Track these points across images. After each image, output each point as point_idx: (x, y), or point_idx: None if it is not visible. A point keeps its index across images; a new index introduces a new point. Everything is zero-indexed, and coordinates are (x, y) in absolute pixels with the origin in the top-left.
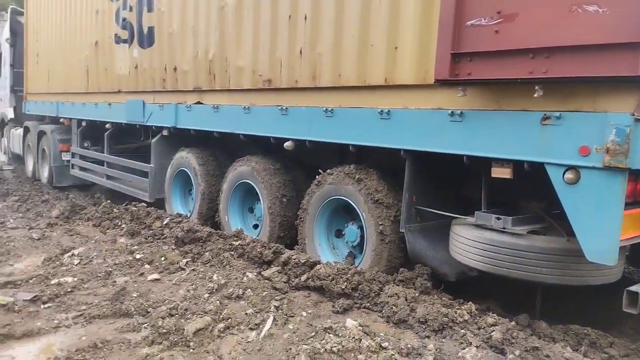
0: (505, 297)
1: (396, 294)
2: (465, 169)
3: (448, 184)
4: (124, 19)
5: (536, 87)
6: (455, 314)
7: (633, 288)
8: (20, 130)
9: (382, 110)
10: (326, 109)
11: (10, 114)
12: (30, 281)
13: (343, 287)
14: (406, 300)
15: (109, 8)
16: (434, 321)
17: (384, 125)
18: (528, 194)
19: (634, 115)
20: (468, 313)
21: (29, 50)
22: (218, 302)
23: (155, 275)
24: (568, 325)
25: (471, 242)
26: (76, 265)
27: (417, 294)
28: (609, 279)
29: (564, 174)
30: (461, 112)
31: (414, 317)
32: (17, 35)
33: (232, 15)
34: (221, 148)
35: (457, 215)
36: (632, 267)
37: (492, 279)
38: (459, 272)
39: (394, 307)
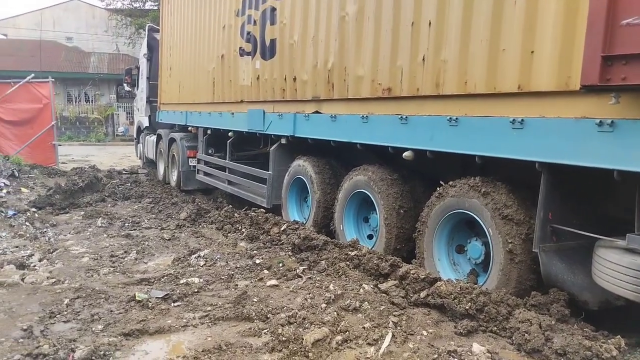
0: None
1: (528, 319)
2: (613, 185)
3: (589, 200)
4: (248, 33)
5: None
6: (601, 348)
7: None
8: (154, 138)
9: (514, 119)
10: (450, 118)
11: (146, 123)
12: (162, 279)
13: (467, 307)
14: (540, 327)
15: (235, 23)
16: (575, 354)
17: (517, 135)
18: None
19: None
20: (616, 348)
21: (163, 64)
22: (335, 313)
23: (274, 281)
24: None
25: (621, 267)
26: (202, 266)
27: (553, 322)
28: None
29: None
30: (612, 122)
31: (550, 348)
32: (153, 50)
33: (353, 25)
34: (337, 157)
35: (601, 237)
36: None
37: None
38: (602, 300)
39: (526, 335)
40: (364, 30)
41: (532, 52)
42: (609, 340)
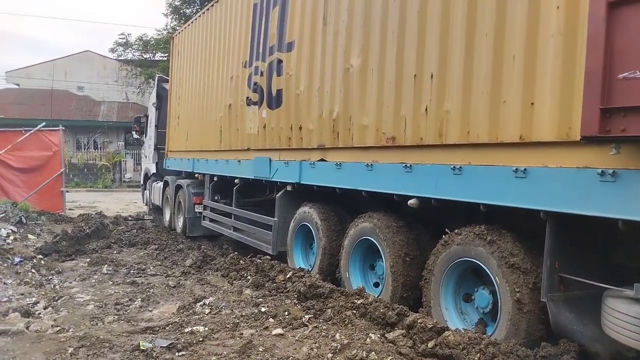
0: None
1: None
2: (619, 234)
3: (595, 249)
4: (255, 83)
5: None
6: None
7: None
8: (161, 184)
9: (517, 169)
10: (454, 167)
11: (153, 169)
12: (167, 328)
13: (476, 358)
14: None
15: (243, 74)
16: None
17: (520, 184)
18: None
19: None
20: None
21: (172, 113)
22: None
23: (279, 330)
24: None
25: (630, 318)
26: (207, 314)
27: None
28: None
29: None
30: (614, 172)
31: None
32: (162, 99)
33: (357, 77)
34: (343, 204)
35: (609, 286)
36: None
37: None
38: (613, 351)
39: None
40: (368, 82)
41: (532, 103)
42: None
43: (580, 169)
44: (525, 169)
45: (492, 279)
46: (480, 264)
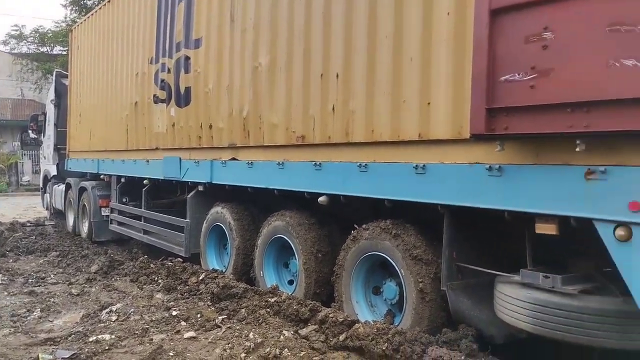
0: None
1: (441, 356)
2: (508, 225)
3: (490, 239)
4: (162, 80)
5: (577, 142)
6: None
7: None
8: (62, 187)
9: (417, 165)
10: (360, 164)
11: (53, 171)
12: (69, 338)
13: (384, 348)
14: None
15: (149, 71)
16: None
17: (420, 180)
18: (576, 251)
19: None
20: None
21: (72, 111)
22: None
23: (192, 333)
24: None
25: (518, 302)
26: (114, 321)
27: (462, 357)
28: None
29: (614, 230)
30: (500, 167)
31: None
32: (61, 96)
33: (266, 75)
34: (256, 203)
35: (501, 273)
36: None
37: (543, 341)
38: (507, 333)
39: None
40: (277, 81)
41: (429, 103)
42: None
43: (472, 165)
44: (424, 166)
45: (398, 271)
46: (387, 257)
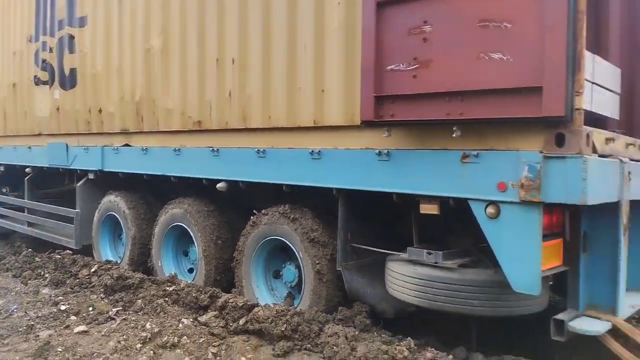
0: (444, 330)
1: (336, 333)
2: (397, 206)
3: (382, 221)
4: (43, 61)
5: (454, 128)
6: (395, 350)
7: (559, 316)
8: None
9: (312, 151)
10: (258, 150)
11: None
12: None
13: (283, 329)
14: (346, 339)
15: (28, 49)
16: (375, 359)
17: (315, 165)
18: (457, 229)
19: (542, 152)
20: (407, 349)
21: None
22: (152, 352)
23: (83, 327)
24: (502, 357)
25: (405, 277)
26: None
27: (357, 333)
28: (535, 308)
29: (485, 208)
30: (388, 152)
31: (354, 357)
32: None
33: (159, 58)
34: (152, 191)
35: (391, 252)
36: (557, 297)
37: (431, 313)
38: (397, 308)
39: (334, 347)
40: (171, 64)
41: (323, 91)
42: (401, 343)
43: (364, 150)
44: (319, 151)
45: (297, 254)
46: (286, 241)
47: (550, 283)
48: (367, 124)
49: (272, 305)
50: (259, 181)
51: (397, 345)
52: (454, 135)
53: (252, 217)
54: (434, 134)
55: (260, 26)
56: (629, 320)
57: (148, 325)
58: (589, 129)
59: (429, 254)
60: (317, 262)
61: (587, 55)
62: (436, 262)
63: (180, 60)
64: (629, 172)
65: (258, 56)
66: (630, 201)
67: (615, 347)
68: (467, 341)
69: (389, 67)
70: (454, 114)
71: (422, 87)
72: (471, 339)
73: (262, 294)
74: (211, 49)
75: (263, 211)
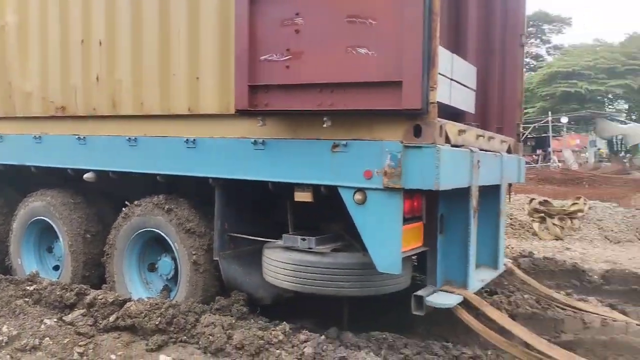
0: (320, 313)
1: (212, 323)
2: (274, 195)
3: (260, 210)
4: None
5: (324, 118)
6: (270, 335)
7: (419, 292)
8: None
9: (187, 139)
10: (129, 138)
11: None
12: None
13: (157, 322)
14: (223, 328)
15: None
16: (251, 345)
17: (191, 154)
18: (330, 215)
19: (402, 142)
20: (282, 333)
21: None
22: (9, 356)
23: None
24: (370, 333)
25: (281, 264)
26: None
27: (233, 321)
28: (400, 286)
29: (353, 195)
30: (263, 141)
31: (231, 345)
32: None
33: (15, 36)
34: (9, 182)
35: (267, 240)
36: (420, 275)
37: (307, 297)
38: (274, 294)
39: (210, 337)
40: (29, 43)
41: (198, 78)
42: (277, 328)
43: (240, 139)
44: (194, 140)
45: (172, 245)
46: (161, 233)
47: (415, 263)
48: (242, 113)
49: (146, 300)
50: (130, 171)
51: (273, 330)
52: (324, 125)
53: (124, 209)
54: (306, 124)
55: (129, 7)
56: (479, 293)
57: (5, 329)
58: (443, 121)
59: (303, 240)
60: (193, 252)
61: (447, 54)
62: (310, 248)
63: (40, 39)
64: (478, 161)
65: (128, 39)
66: (480, 187)
67: (466, 317)
68: (341, 322)
69: (263, 57)
70: (325, 104)
71: (294, 78)
72: (343, 319)
73: (136, 288)
74: (75, 28)
75: (136, 202)
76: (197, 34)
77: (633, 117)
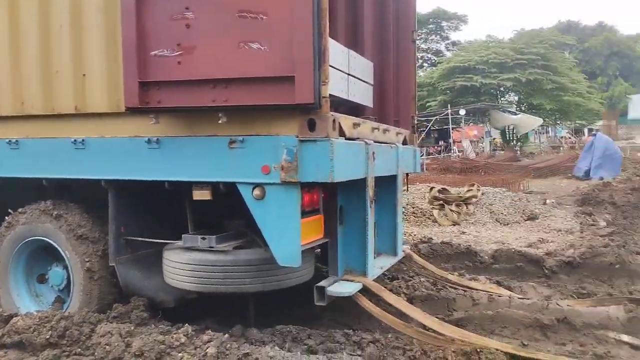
0: (227, 312)
1: (109, 332)
2: (172, 194)
3: (159, 211)
4: None
5: (220, 114)
6: (172, 339)
7: (321, 283)
8: None
9: (75, 140)
10: (9, 141)
11: None
12: None
13: (47, 336)
14: (121, 336)
15: None
16: (151, 351)
17: (80, 155)
18: (232, 213)
19: (298, 137)
20: (185, 336)
21: None
22: None
23: None
24: (275, 327)
25: (181, 265)
26: None
27: (132, 328)
28: (303, 279)
29: (252, 191)
30: (157, 139)
31: (129, 353)
32: None
33: None
34: None
35: (166, 241)
36: (324, 266)
37: (214, 297)
38: (177, 297)
39: (107, 347)
40: None
41: (84, 75)
42: (179, 330)
43: (132, 138)
44: (83, 140)
45: (63, 253)
46: (50, 241)
47: (318, 255)
48: (133, 111)
49: (35, 313)
50: (11, 176)
51: (175, 333)
52: (220, 121)
53: (7, 218)
54: (202, 121)
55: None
56: (380, 279)
57: None
58: (337, 114)
59: (203, 239)
60: (86, 259)
61: (344, 51)
62: (211, 247)
63: None
64: (374, 153)
65: (3, 33)
66: (377, 177)
67: (366, 303)
68: (248, 319)
69: (154, 52)
70: (219, 100)
71: (187, 74)
72: (249, 316)
73: (24, 302)
74: None
75: (20, 210)
76: (81, 28)
77: (522, 108)
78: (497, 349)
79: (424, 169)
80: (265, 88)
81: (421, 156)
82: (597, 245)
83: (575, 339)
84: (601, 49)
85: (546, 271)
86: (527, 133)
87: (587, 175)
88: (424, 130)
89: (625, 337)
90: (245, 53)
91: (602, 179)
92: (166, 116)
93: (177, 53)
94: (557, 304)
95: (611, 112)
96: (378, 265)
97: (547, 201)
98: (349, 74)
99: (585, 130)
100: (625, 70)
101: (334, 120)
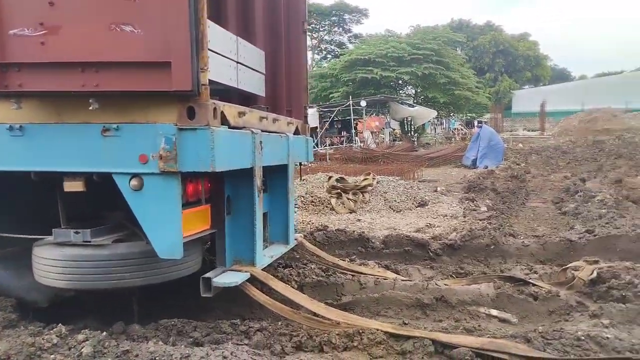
0: (110, 310)
1: None
2: (42, 186)
3: (30, 204)
4: None
5: (90, 100)
6: (43, 340)
7: (207, 274)
8: None
9: None
10: None
11: None
12: None
13: None
14: None
15: None
16: (19, 355)
17: None
18: (109, 204)
19: (177, 125)
20: (57, 336)
21: None
22: None
23: None
24: (158, 322)
25: (53, 261)
26: None
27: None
28: (189, 271)
29: (129, 181)
30: (20, 126)
31: None
32: None
33: None
34: None
35: (35, 237)
36: (212, 257)
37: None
38: (50, 295)
39: None
40: None
41: None
42: (51, 331)
43: None
44: None
45: None
46: None
47: (207, 245)
48: None
49: None
50: None
51: (47, 334)
52: (91, 108)
53: None
54: (71, 107)
55: None
56: (272, 268)
57: None
58: (219, 102)
59: (77, 233)
60: None
61: (232, 38)
62: (87, 241)
63: None
64: (261, 142)
65: None
66: (267, 167)
67: (253, 292)
68: (131, 315)
69: (12, 32)
70: (89, 85)
71: (52, 56)
72: (133, 312)
73: None
74: None
75: None
76: None
77: (419, 100)
78: (377, 329)
79: (327, 159)
80: (140, 73)
81: (324, 146)
82: (476, 229)
83: (451, 316)
84: (489, 47)
85: (431, 254)
86: (423, 124)
87: (474, 164)
88: (327, 121)
89: (494, 312)
90: (117, 35)
91: (486, 167)
92: (30, 101)
93: (40, 32)
94: (436, 284)
95: (497, 106)
96: (268, 254)
97: (438, 189)
98: (238, 62)
99: (475, 122)
100: (509, 67)
101: (215, 109)
